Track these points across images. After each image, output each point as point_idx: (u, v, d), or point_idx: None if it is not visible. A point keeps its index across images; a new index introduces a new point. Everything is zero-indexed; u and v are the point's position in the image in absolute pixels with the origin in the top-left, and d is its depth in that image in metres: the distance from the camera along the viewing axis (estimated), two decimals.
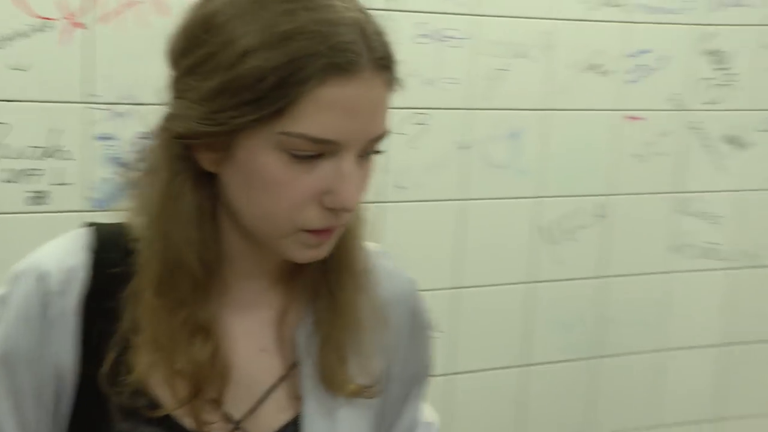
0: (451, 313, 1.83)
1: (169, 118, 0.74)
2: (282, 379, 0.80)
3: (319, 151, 0.70)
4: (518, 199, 1.85)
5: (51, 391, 0.76)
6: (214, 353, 0.75)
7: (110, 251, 0.77)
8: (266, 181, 0.71)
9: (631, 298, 1.99)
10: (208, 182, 0.75)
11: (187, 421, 0.76)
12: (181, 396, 0.75)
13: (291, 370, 0.81)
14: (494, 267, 1.86)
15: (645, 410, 2.05)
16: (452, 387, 1.86)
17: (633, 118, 1.91)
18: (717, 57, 1.95)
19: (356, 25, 0.70)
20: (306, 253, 0.75)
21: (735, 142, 2.01)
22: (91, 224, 0.80)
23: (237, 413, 0.78)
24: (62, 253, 0.77)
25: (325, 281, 0.80)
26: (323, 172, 0.71)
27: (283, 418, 0.79)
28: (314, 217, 0.72)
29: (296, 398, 0.80)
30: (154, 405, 0.75)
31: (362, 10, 0.72)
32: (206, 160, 0.73)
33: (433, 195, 1.77)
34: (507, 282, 1.88)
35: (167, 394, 0.75)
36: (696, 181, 2.00)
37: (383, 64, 0.72)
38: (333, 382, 0.80)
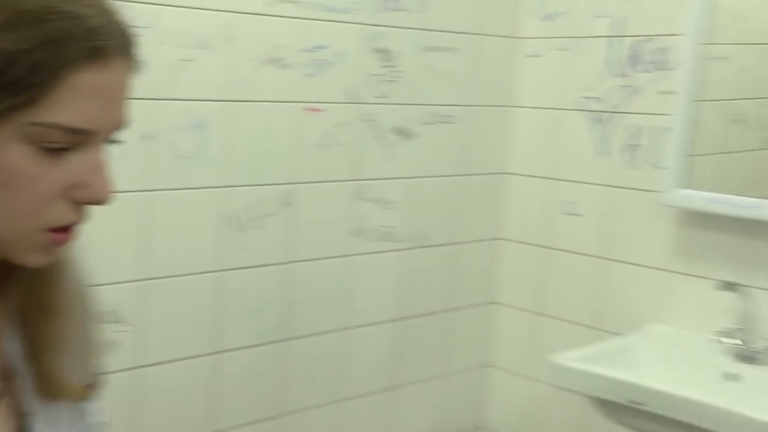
0: (139, 305, 1.80)
1: None
2: None
3: (72, 141, 0.66)
4: (205, 189, 1.87)
5: None
6: None
7: None
8: (9, 177, 0.64)
9: (316, 282, 2.10)
10: None
11: None
12: None
13: (8, 383, 0.74)
14: (182, 257, 1.86)
15: (331, 386, 2.18)
16: (142, 380, 1.83)
17: (313, 109, 2.02)
18: (385, 55, 2.13)
19: (103, 7, 0.67)
20: (42, 258, 0.70)
21: (402, 133, 2.20)
22: None
23: None
24: None
25: (33, 283, 0.75)
26: (72, 164, 0.67)
27: None
28: (61, 214, 0.68)
29: (17, 413, 0.73)
30: None
31: None
32: None
33: (118, 186, 1.73)
34: (196, 272, 1.89)
35: None
36: (371, 170, 2.16)
37: (130, 48, 0.70)
38: (55, 389, 0.75)
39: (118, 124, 0.71)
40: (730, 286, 1.91)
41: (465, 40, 2.28)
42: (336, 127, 2.07)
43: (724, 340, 1.95)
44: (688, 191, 1.99)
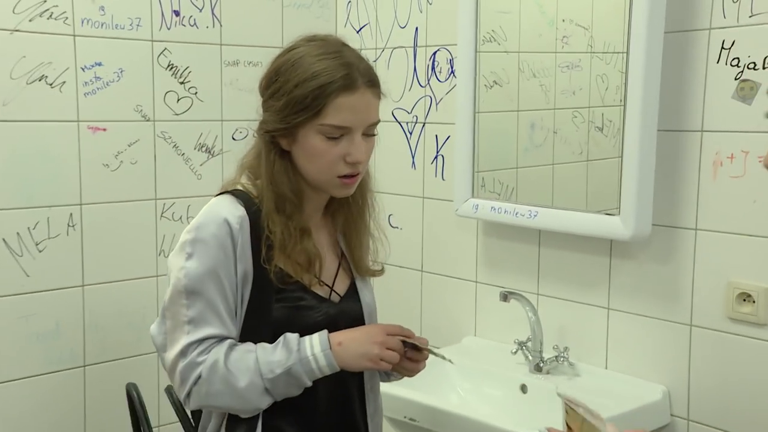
0: None
1: (262, 123, 1.35)
2: (339, 264, 1.44)
3: (340, 133, 1.31)
4: None
5: (239, 285, 1.32)
6: (315, 247, 1.36)
7: (248, 203, 1.34)
8: (314, 153, 1.32)
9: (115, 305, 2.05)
10: (285, 154, 1.35)
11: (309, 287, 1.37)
12: (303, 275, 1.35)
13: (341, 259, 1.45)
14: None
15: None
16: None
17: (95, 128, 1.97)
18: (174, 71, 2.08)
19: (343, 59, 1.33)
20: (343, 191, 1.36)
21: (205, 150, 2.16)
22: (227, 192, 1.36)
23: (329, 282, 1.41)
24: (229, 208, 1.32)
25: (344, 208, 1.44)
26: (343, 144, 1.32)
27: (347, 283, 1.44)
28: (343, 169, 1.33)
29: (348, 275, 1.45)
30: (290, 280, 1.34)
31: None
32: (284, 143, 1.34)
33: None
34: None
35: (298, 274, 1.35)
36: (173, 188, 2.11)
37: (369, 80, 1.34)
38: (359, 267, 1.46)
39: (367, 123, 1.33)
40: (514, 296, 1.87)
41: (263, 54, 2.22)
42: (129, 145, 2.03)
43: (521, 350, 1.90)
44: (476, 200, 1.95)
